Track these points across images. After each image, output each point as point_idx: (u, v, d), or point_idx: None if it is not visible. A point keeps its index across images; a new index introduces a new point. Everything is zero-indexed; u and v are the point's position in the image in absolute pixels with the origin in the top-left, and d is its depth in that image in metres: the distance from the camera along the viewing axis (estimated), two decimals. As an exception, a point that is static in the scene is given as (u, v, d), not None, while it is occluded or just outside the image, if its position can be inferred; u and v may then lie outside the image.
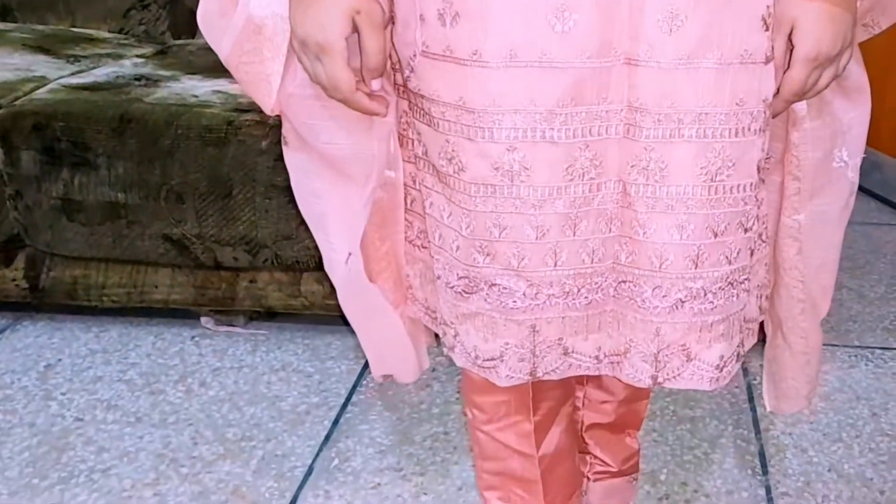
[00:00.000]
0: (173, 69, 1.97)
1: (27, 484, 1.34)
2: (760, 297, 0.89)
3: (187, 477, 1.36)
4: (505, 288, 0.78)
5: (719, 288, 0.78)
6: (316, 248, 1.69)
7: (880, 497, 1.27)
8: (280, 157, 1.65)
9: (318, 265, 1.72)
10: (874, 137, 0.99)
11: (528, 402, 0.91)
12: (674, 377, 0.81)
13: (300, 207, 0.92)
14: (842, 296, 1.84)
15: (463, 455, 1.39)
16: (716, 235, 0.75)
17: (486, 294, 0.79)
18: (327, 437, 1.45)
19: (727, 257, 0.77)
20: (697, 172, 0.73)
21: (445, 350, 0.88)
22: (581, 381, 1.04)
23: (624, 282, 0.79)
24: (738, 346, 0.82)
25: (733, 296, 0.79)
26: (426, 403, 1.53)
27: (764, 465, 1.35)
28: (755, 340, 0.90)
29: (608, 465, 1.09)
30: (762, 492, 1.29)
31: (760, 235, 0.83)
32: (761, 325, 0.95)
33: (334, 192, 0.88)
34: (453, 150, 0.75)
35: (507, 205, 0.75)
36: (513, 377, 0.81)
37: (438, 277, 0.84)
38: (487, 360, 0.82)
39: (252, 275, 1.73)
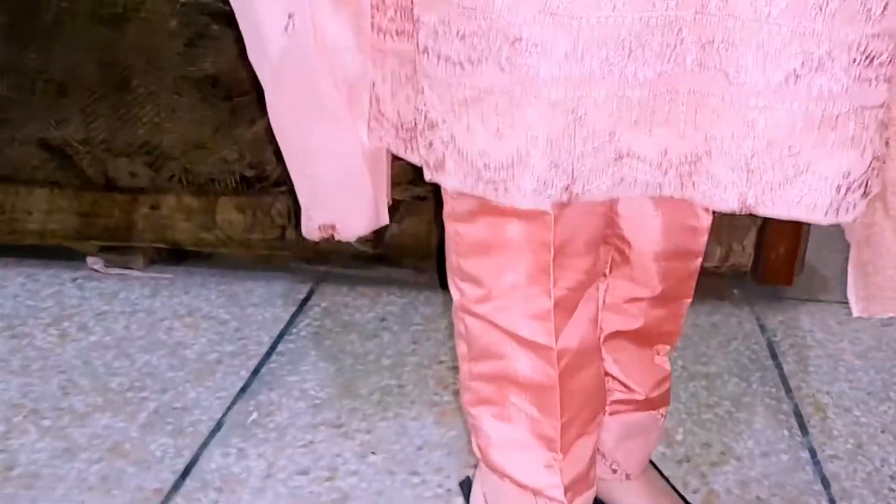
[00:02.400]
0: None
1: None
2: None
3: (49, 430, 1.06)
4: (535, 44, 0.54)
5: (852, 61, 0.55)
6: (237, 161, 1.42)
7: (950, 460, 1.06)
8: (192, 43, 1.38)
9: (239, 186, 1.44)
10: None
11: (549, 263, 0.65)
12: (771, 199, 0.57)
13: None
14: (859, 257, 1.66)
15: (424, 410, 1.13)
16: None
17: (507, 57, 0.55)
18: (244, 389, 1.16)
19: (868, 8, 0.54)
20: None
21: (427, 175, 0.63)
22: (610, 228, 0.79)
23: (710, 42, 0.55)
24: (868, 171, 0.59)
25: (869, 80, 0.56)
26: (374, 354, 1.26)
27: (802, 426, 1.12)
28: (880, 188, 0.66)
29: (632, 391, 0.84)
30: (805, 454, 1.07)
31: None
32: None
33: None
34: None
35: None
36: (541, 193, 0.57)
37: (424, 51, 0.59)
38: (501, 167, 0.57)
39: (154, 198, 1.44)
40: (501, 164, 0.58)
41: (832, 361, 1.29)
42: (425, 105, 0.61)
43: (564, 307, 0.67)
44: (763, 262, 1.47)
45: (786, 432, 1.11)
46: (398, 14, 0.64)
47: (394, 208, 1.48)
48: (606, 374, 0.84)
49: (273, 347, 1.28)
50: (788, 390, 1.21)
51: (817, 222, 0.59)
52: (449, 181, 0.61)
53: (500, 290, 0.67)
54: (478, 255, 0.67)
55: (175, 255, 1.52)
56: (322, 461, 1.03)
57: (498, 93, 0.56)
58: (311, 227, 0.75)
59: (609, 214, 0.76)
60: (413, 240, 1.46)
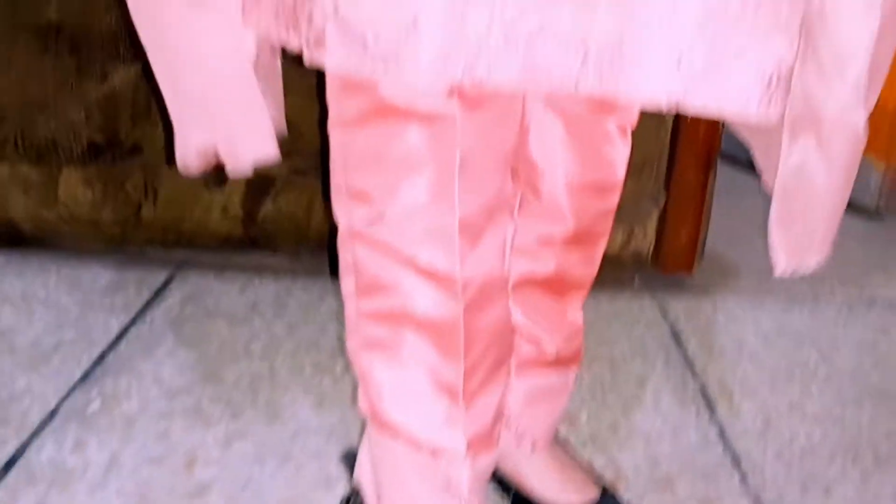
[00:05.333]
0: None
1: None
2: None
3: None
4: None
5: None
6: (84, 123, 1.30)
7: (859, 435, 1.06)
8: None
9: (87, 155, 1.31)
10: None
11: (454, 175, 0.59)
12: (702, 89, 0.53)
13: None
14: (758, 248, 1.69)
15: (299, 396, 1.03)
16: None
17: None
18: (85, 377, 1.03)
19: None
20: None
21: (307, 57, 0.55)
22: (520, 160, 0.73)
23: None
24: (795, 63, 0.56)
25: None
26: (243, 341, 1.16)
27: (710, 406, 1.10)
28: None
29: (542, 346, 0.78)
30: (714, 432, 1.04)
31: None
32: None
33: None
34: None
35: None
36: (440, 70, 0.50)
37: None
38: (392, 38, 0.50)
39: (-17, 167, 1.30)
40: (392, 34, 0.51)
41: (736, 346, 1.28)
42: None
43: (470, 231, 0.61)
44: (664, 249, 1.46)
45: (693, 412, 1.08)
46: None
47: (268, 184, 1.39)
48: (514, 329, 0.78)
49: (122, 334, 1.15)
50: (694, 373, 1.19)
51: (747, 118, 0.56)
52: (330, 59, 0.53)
53: (395, 208, 0.60)
54: (369, 167, 0.60)
55: (10, 238, 1.37)
56: (178, 450, 0.91)
57: None
58: (187, 153, 0.65)
59: (519, 132, 0.71)
60: (290, 221, 1.37)
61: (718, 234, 1.75)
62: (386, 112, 0.58)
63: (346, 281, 0.65)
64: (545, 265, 0.75)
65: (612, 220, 0.77)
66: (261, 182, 1.34)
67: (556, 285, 0.77)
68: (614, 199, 0.75)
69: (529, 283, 0.76)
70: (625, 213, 1.40)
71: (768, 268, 0.64)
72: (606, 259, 1.44)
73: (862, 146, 0.67)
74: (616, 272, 1.44)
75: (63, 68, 1.24)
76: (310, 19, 0.54)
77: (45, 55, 1.23)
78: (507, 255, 0.69)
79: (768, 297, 1.47)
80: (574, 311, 0.79)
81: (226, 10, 0.60)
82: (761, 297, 1.47)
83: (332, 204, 0.64)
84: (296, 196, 1.37)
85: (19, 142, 1.27)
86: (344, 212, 0.62)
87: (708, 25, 0.52)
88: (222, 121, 0.64)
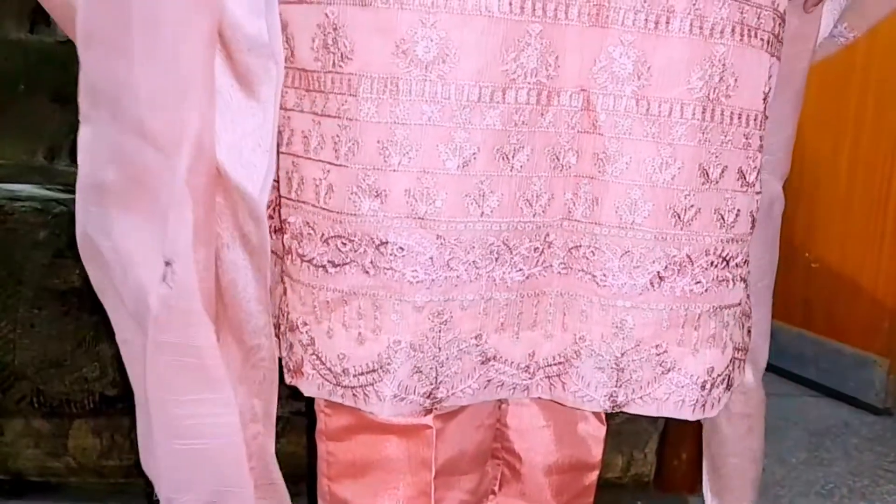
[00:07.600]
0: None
1: None
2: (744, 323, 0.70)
3: None
4: (402, 248, 0.56)
5: (710, 263, 0.59)
6: (97, 379, 1.36)
7: None
8: (59, 254, 1.36)
9: (97, 408, 1.36)
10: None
11: (430, 484, 0.64)
12: (640, 397, 0.59)
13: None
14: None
15: None
16: (708, 179, 0.58)
17: (372, 261, 0.56)
18: None
19: (722, 216, 0.59)
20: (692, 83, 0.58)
21: (287, 379, 0.62)
22: (498, 441, 0.77)
23: (577, 247, 0.59)
24: (729, 366, 0.62)
25: (727, 280, 0.60)
26: None
27: None
28: (743, 377, 0.70)
29: None
30: None
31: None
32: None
33: (129, 168, 0.63)
34: (335, 26, 0.56)
35: (415, 111, 0.55)
36: (403, 399, 0.56)
37: (288, 253, 0.60)
38: (361, 373, 0.57)
39: None
40: (362, 369, 0.58)
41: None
42: (287, 306, 0.61)
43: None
44: (666, 470, 1.47)
45: None
46: (276, 212, 0.66)
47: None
48: None
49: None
50: None
51: (685, 418, 0.61)
52: (306, 387, 0.60)
53: (378, 516, 0.64)
54: (352, 478, 0.65)
55: (16, 485, 1.41)
56: None
57: (361, 296, 0.57)
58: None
59: (497, 426, 0.76)
60: (289, 459, 1.40)
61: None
62: (369, 427, 0.63)
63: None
64: None
65: (593, 498, 0.80)
66: (266, 424, 1.38)
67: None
68: (593, 477, 0.79)
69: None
70: (623, 438, 1.42)
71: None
72: (606, 484, 1.45)
73: (757, 399, 0.75)
74: (617, 498, 1.44)
75: (81, 329, 1.32)
76: (290, 347, 0.61)
77: (68, 315, 1.31)
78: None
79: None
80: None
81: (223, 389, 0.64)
82: (769, 513, 1.47)
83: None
84: (297, 436, 1.40)
85: (36, 399, 1.33)
86: (324, 507, 0.67)
87: (644, 343, 0.59)
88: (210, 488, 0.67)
